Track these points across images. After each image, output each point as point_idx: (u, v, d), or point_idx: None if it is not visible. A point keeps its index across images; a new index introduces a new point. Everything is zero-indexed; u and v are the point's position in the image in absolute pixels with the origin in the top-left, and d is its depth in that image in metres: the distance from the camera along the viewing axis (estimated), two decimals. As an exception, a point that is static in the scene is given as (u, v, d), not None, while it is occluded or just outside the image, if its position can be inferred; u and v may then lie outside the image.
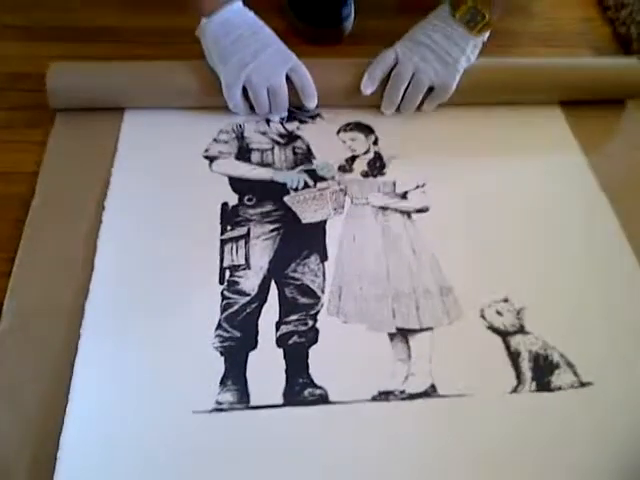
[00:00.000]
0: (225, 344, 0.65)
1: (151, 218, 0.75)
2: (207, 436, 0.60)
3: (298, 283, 0.71)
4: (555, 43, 1.04)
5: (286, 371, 0.64)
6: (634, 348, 0.69)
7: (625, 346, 0.69)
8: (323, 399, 0.63)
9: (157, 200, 0.77)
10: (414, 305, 0.70)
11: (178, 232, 0.74)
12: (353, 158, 0.83)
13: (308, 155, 0.83)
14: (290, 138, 0.85)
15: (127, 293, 0.69)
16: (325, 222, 0.76)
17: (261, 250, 0.73)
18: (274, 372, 0.64)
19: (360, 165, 0.82)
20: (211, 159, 0.81)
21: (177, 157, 0.81)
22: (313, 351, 0.66)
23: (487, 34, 0.82)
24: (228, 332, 0.66)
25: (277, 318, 0.68)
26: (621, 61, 0.94)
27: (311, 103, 0.83)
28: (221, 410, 0.61)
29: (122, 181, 0.77)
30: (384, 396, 0.63)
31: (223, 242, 0.73)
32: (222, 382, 0.63)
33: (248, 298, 0.69)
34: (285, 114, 0.85)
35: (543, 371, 0.66)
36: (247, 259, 0.72)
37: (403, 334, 0.68)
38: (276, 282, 0.71)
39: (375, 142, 0.85)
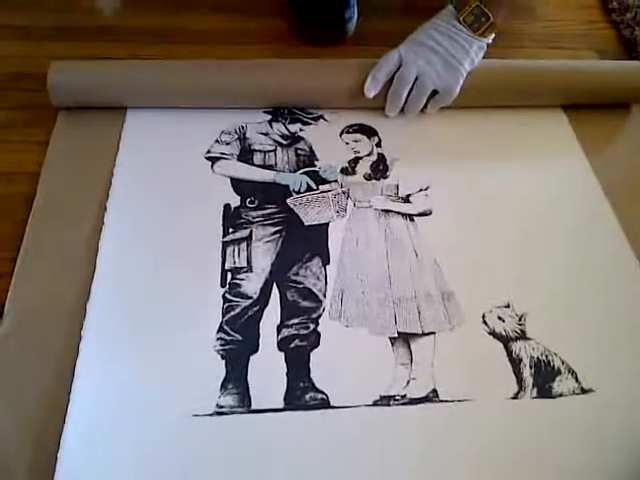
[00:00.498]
0: (226, 347, 0.65)
1: (153, 219, 0.75)
2: (208, 440, 0.60)
3: (300, 286, 0.71)
4: (559, 45, 1.04)
5: (287, 375, 0.64)
6: (636, 355, 0.69)
7: (627, 353, 0.69)
8: (324, 403, 0.63)
9: (159, 201, 0.76)
10: (416, 310, 0.70)
11: (180, 234, 0.74)
12: (356, 160, 0.83)
13: (311, 157, 0.83)
14: (293, 139, 0.84)
15: (128, 294, 0.69)
16: (328, 225, 0.76)
17: (263, 253, 0.73)
18: (275, 376, 0.64)
19: (363, 167, 0.82)
20: (213, 160, 0.81)
21: (179, 158, 0.81)
22: (314, 355, 0.66)
23: (492, 36, 0.82)
24: (230, 335, 0.66)
25: (278, 321, 0.68)
26: (625, 64, 0.93)
27: None
28: (222, 414, 0.61)
29: (124, 182, 0.77)
30: (385, 401, 0.63)
31: (225, 244, 0.73)
32: (223, 385, 0.63)
33: (250, 301, 0.69)
34: None
35: (544, 377, 0.66)
36: (249, 262, 0.72)
37: (405, 339, 0.68)
38: (278, 285, 0.71)
39: (378, 144, 0.85)
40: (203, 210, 0.76)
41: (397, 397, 0.64)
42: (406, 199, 0.79)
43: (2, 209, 0.75)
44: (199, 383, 0.63)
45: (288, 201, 0.78)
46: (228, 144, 0.83)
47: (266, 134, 0.84)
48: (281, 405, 0.62)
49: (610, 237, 0.78)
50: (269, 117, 0.86)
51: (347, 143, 0.85)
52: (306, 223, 0.76)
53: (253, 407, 0.62)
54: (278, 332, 0.67)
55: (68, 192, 0.76)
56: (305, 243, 0.74)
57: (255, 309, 0.69)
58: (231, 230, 0.74)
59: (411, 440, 0.61)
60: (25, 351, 0.64)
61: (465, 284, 0.72)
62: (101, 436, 0.59)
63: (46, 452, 0.58)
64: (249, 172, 0.80)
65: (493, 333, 0.69)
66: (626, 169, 0.86)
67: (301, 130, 0.85)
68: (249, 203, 0.77)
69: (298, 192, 0.79)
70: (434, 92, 0.83)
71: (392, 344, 0.67)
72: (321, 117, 0.87)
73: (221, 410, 0.61)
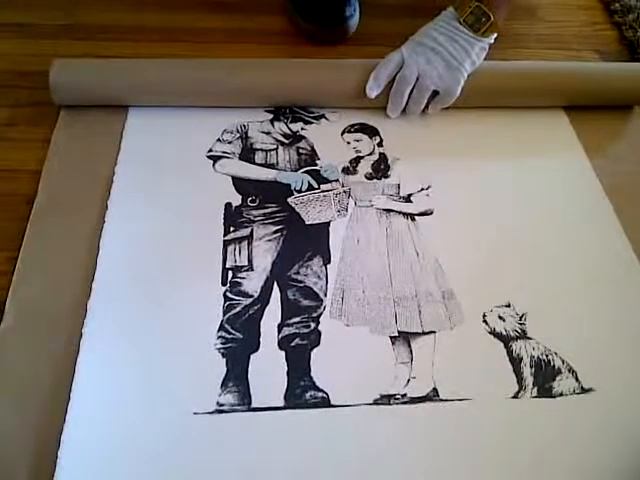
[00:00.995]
0: (227, 346, 0.65)
1: (154, 218, 0.75)
2: (208, 438, 0.60)
3: (301, 285, 0.71)
4: (561, 46, 1.04)
5: (288, 373, 0.64)
6: (636, 354, 0.69)
7: (627, 352, 0.69)
8: (324, 402, 0.63)
9: (160, 200, 0.77)
10: (416, 309, 0.70)
11: (181, 232, 0.74)
12: (357, 159, 0.83)
13: (312, 156, 0.83)
14: (294, 138, 0.84)
15: (129, 293, 0.69)
16: (329, 224, 0.76)
17: (264, 251, 0.73)
18: (276, 374, 0.64)
19: (364, 167, 0.82)
20: (215, 159, 0.81)
21: (181, 157, 0.81)
22: (315, 354, 0.66)
23: (494, 36, 0.82)
24: (230, 334, 0.66)
25: (279, 320, 0.68)
26: (627, 67, 0.93)
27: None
28: (222, 412, 0.61)
29: (125, 181, 0.77)
30: (385, 400, 0.63)
31: (226, 243, 0.73)
32: (224, 384, 0.63)
33: (251, 300, 0.69)
34: None
35: (545, 377, 0.66)
36: (250, 260, 0.72)
37: (405, 338, 0.68)
38: (279, 284, 0.71)
39: (380, 144, 0.85)
40: (204, 208, 0.76)
41: (397, 396, 0.64)
42: (407, 199, 0.79)
43: (3, 207, 0.75)
44: (200, 381, 0.63)
45: (289, 200, 0.78)
46: (230, 143, 0.83)
47: (268, 133, 0.85)
48: (281, 404, 0.62)
49: (611, 237, 0.78)
50: (271, 116, 0.86)
51: (348, 142, 0.85)
52: (307, 222, 0.76)
53: (253, 405, 0.62)
54: (279, 331, 0.67)
55: (69, 190, 0.76)
56: (306, 242, 0.74)
57: (256, 308, 0.69)
58: (232, 229, 0.74)
59: (411, 439, 0.61)
60: (26, 349, 0.64)
61: (466, 283, 0.72)
62: (101, 433, 0.60)
63: (47, 448, 0.58)
64: (250, 171, 0.80)
65: (493, 332, 0.69)
66: (627, 169, 0.86)
67: (303, 129, 0.85)
68: (250, 202, 0.77)
69: (299, 191, 0.79)
70: (435, 93, 0.83)
71: (392, 343, 0.67)
72: (323, 116, 0.87)
73: (221, 408, 0.61)
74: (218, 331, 0.66)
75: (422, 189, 0.80)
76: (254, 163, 0.81)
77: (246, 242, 0.73)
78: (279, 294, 0.70)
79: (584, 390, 0.65)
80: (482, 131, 0.87)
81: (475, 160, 0.84)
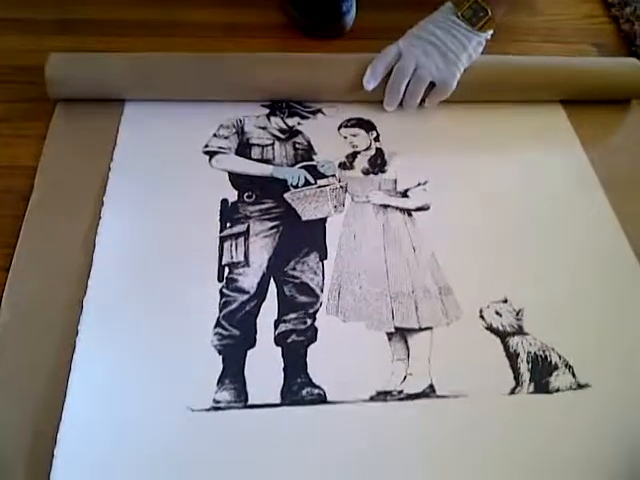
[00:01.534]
0: (223, 342, 0.65)
1: (150, 214, 0.75)
2: (205, 434, 0.60)
3: (297, 281, 0.71)
4: (558, 39, 1.04)
5: (284, 370, 0.64)
6: (632, 350, 0.69)
7: (623, 348, 0.69)
8: (321, 399, 0.63)
9: (156, 196, 0.76)
10: (413, 305, 0.70)
11: (177, 228, 0.74)
12: (354, 154, 0.83)
13: (309, 151, 0.83)
14: (291, 133, 0.84)
15: (125, 289, 0.68)
16: (325, 220, 0.76)
17: (260, 247, 0.73)
18: (272, 371, 0.64)
19: (361, 162, 0.82)
20: (211, 154, 0.81)
21: (177, 152, 0.81)
22: (312, 350, 0.66)
23: (491, 31, 0.82)
24: (227, 330, 0.66)
25: (276, 316, 0.68)
26: (623, 61, 0.93)
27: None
28: (219, 409, 0.61)
29: (121, 176, 0.77)
30: (382, 396, 0.63)
31: (222, 239, 0.73)
32: (220, 381, 0.63)
33: (247, 296, 0.69)
34: None
35: (541, 372, 0.66)
36: (246, 256, 0.72)
37: (402, 334, 0.68)
38: (275, 280, 0.71)
39: (376, 138, 0.85)
40: (201, 204, 0.76)
41: (394, 392, 0.64)
42: (404, 194, 0.79)
43: (-1, 203, 0.75)
44: (196, 378, 0.63)
45: (286, 196, 0.77)
46: (226, 138, 0.83)
47: (264, 128, 0.84)
48: (278, 400, 0.62)
49: (607, 231, 0.78)
50: (267, 111, 0.86)
51: (345, 137, 0.85)
52: (304, 218, 0.76)
53: (250, 402, 0.62)
54: (275, 327, 0.67)
55: (65, 185, 0.76)
56: (302, 238, 0.74)
57: (252, 304, 0.68)
58: (228, 225, 0.74)
59: (408, 435, 0.61)
60: (22, 345, 0.64)
61: (462, 279, 0.72)
62: (98, 430, 0.59)
63: (43, 446, 0.58)
64: (247, 166, 0.80)
65: (490, 328, 0.69)
66: (624, 163, 0.86)
67: (299, 124, 0.85)
68: (247, 198, 0.77)
69: (296, 186, 0.78)
70: (432, 86, 0.83)
71: (389, 339, 0.67)
72: (319, 111, 0.87)
73: (218, 405, 0.61)
74: (214, 328, 0.66)
75: (419, 184, 0.80)
76: (250, 158, 0.81)
77: (242, 238, 0.73)
78: (276, 290, 0.70)
79: (580, 386, 0.65)
80: (479, 125, 0.87)
81: (472, 155, 0.84)
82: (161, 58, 0.85)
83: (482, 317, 0.69)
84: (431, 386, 0.64)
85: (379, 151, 0.84)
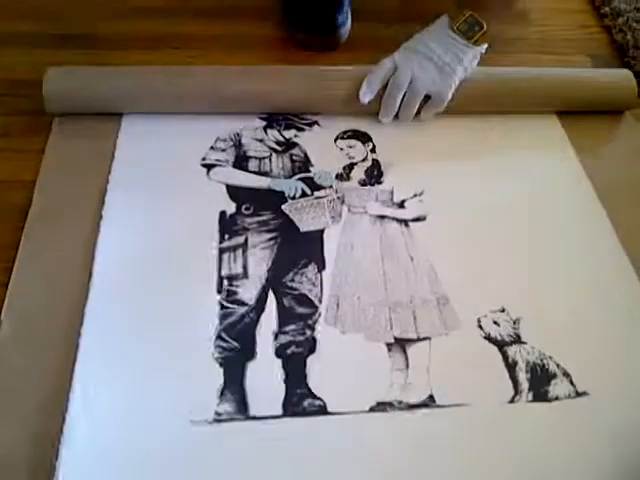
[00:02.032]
0: (224, 354, 0.65)
1: (148, 226, 0.75)
2: (206, 447, 0.60)
3: (296, 292, 0.71)
4: (552, 50, 1.04)
5: (285, 381, 0.65)
6: (630, 357, 0.69)
7: (620, 355, 0.69)
8: (322, 410, 0.63)
9: (154, 208, 0.77)
10: (411, 315, 0.70)
11: (176, 240, 0.74)
12: (351, 166, 0.83)
13: (306, 162, 0.83)
14: (287, 146, 0.85)
15: (125, 302, 0.69)
16: (323, 231, 0.76)
17: (259, 259, 0.73)
18: (273, 382, 0.64)
19: (358, 173, 0.83)
20: (209, 167, 0.81)
21: (175, 165, 0.81)
22: (311, 361, 0.66)
23: (486, 45, 0.83)
24: (227, 342, 0.66)
25: (275, 328, 0.68)
26: (616, 72, 0.94)
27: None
28: (220, 421, 0.61)
29: (119, 190, 0.77)
30: (382, 406, 0.63)
31: (221, 251, 0.73)
32: (221, 393, 0.63)
33: (246, 308, 0.69)
34: None
35: (540, 381, 0.66)
36: (245, 268, 0.72)
37: (401, 344, 0.68)
38: (274, 291, 0.71)
39: (373, 150, 0.85)
40: (199, 217, 0.76)
41: (394, 403, 0.64)
42: (401, 204, 0.80)
43: (-1, 217, 0.75)
44: (197, 390, 0.63)
45: (283, 207, 0.78)
46: (223, 151, 0.83)
47: (261, 140, 0.85)
48: (279, 412, 0.62)
49: (604, 240, 0.79)
50: (264, 123, 0.86)
51: (342, 149, 0.85)
52: (301, 229, 0.76)
53: (251, 414, 0.62)
54: (275, 338, 0.67)
55: (64, 199, 0.76)
56: (300, 249, 0.75)
57: (251, 316, 0.69)
58: (227, 237, 0.75)
59: (408, 445, 0.61)
60: (23, 357, 0.64)
61: (460, 289, 0.72)
62: (99, 443, 0.59)
63: (45, 458, 0.58)
64: (244, 179, 0.81)
65: (488, 337, 0.69)
66: (619, 173, 0.86)
67: (296, 136, 0.86)
68: (245, 210, 0.77)
69: (293, 198, 0.79)
70: (427, 98, 0.84)
71: (388, 350, 0.68)
72: (316, 123, 0.87)
73: (219, 417, 0.61)
74: (215, 340, 0.66)
75: (415, 195, 0.81)
76: (248, 171, 0.82)
77: (241, 250, 0.74)
78: (274, 302, 0.70)
79: (578, 394, 0.66)
80: (474, 136, 0.88)
81: (468, 165, 0.85)
82: (158, 71, 0.85)
83: (480, 327, 0.70)
84: (430, 396, 0.65)
85: (375, 162, 0.84)
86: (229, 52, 0.97)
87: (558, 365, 0.67)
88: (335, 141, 0.86)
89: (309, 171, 0.82)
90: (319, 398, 0.63)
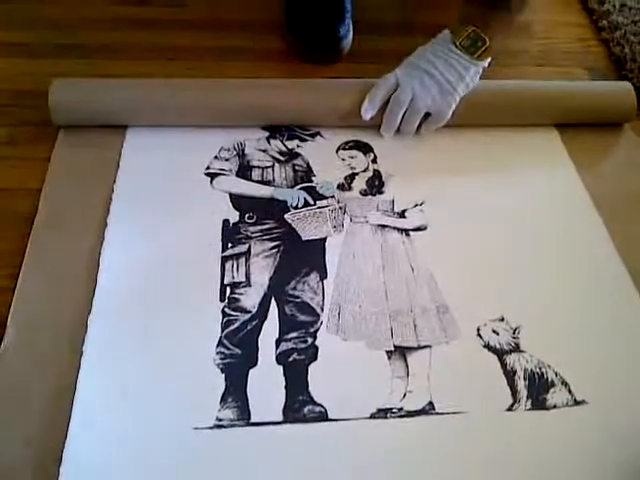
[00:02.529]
0: (226, 361, 0.66)
1: (152, 235, 0.76)
2: (208, 453, 0.60)
3: (298, 301, 0.72)
4: (551, 63, 1.05)
5: (286, 388, 0.65)
6: (628, 366, 0.70)
7: (619, 364, 0.70)
8: (323, 416, 0.63)
9: (158, 217, 0.78)
10: (412, 323, 0.71)
11: (179, 249, 0.75)
12: (352, 176, 0.84)
13: (308, 172, 0.84)
14: (290, 156, 0.86)
15: (129, 309, 0.69)
16: (325, 240, 0.77)
17: (261, 267, 0.74)
18: (274, 389, 0.65)
19: (359, 183, 0.84)
20: (212, 176, 0.82)
21: (178, 174, 0.82)
22: (313, 368, 0.67)
23: (489, 59, 0.84)
24: (229, 349, 0.67)
25: (277, 335, 0.69)
26: (615, 85, 0.95)
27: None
28: (222, 427, 0.62)
29: (124, 198, 0.78)
30: (382, 413, 0.64)
31: (224, 259, 0.74)
32: (223, 399, 0.64)
33: (249, 315, 0.70)
34: None
35: (538, 389, 0.67)
36: (248, 276, 0.73)
37: (401, 352, 0.69)
38: (276, 299, 0.72)
39: (374, 160, 0.86)
40: (202, 225, 0.77)
41: (394, 410, 0.64)
42: (401, 214, 0.81)
43: (4, 225, 0.75)
44: (199, 396, 0.64)
45: (286, 216, 0.79)
46: (227, 160, 0.84)
47: (264, 150, 0.86)
48: (280, 418, 0.63)
49: (602, 251, 0.79)
50: (267, 134, 0.88)
51: (343, 159, 0.86)
52: (304, 238, 0.77)
53: (252, 420, 0.63)
54: (277, 346, 0.68)
55: (69, 208, 0.77)
56: (303, 258, 0.75)
57: (254, 323, 0.69)
58: (230, 245, 0.75)
59: (408, 452, 0.62)
60: (28, 365, 0.64)
61: (460, 298, 0.73)
62: (102, 448, 0.60)
63: (47, 467, 0.58)
64: (247, 188, 0.82)
65: (488, 346, 0.70)
66: (617, 185, 0.87)
67: (298, 147, 0.87)
68: (248, 218, 0.78)
69: (296, 207, 0.80)
70: (427, 114, 0.85)
71: (389, 357, 0.68)
72: (318, 134, 0.88)
73: (221, 423, 0.62)
74: (217, 347, 0.67)
75: (416, 205, 0.81)
76: (251, 180, 0.83)
77: (244, 258, 0.74)
78: (277, 309, 0.71)
79: (577, 402, 0.66)
80: (474, 148, 0.89)
81: (468, 176, 0.86)
82: (162, 84, 0.87)
83: (479, 335, 0.70)
84: (430, 403, 0.65)
85: (377, 173, 0.85)
86: (232, 64, 0.98)
87: (557, 373, 0.68)
88: (337, 151, 0.87)
89: (311, 181, 0.83)
90: (320, 405, 0.64)
